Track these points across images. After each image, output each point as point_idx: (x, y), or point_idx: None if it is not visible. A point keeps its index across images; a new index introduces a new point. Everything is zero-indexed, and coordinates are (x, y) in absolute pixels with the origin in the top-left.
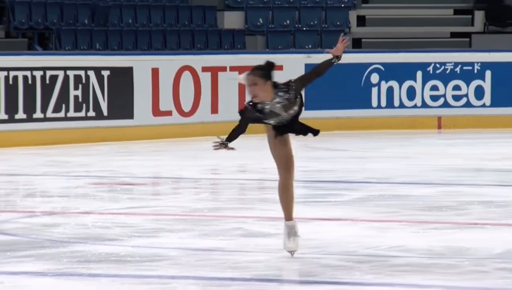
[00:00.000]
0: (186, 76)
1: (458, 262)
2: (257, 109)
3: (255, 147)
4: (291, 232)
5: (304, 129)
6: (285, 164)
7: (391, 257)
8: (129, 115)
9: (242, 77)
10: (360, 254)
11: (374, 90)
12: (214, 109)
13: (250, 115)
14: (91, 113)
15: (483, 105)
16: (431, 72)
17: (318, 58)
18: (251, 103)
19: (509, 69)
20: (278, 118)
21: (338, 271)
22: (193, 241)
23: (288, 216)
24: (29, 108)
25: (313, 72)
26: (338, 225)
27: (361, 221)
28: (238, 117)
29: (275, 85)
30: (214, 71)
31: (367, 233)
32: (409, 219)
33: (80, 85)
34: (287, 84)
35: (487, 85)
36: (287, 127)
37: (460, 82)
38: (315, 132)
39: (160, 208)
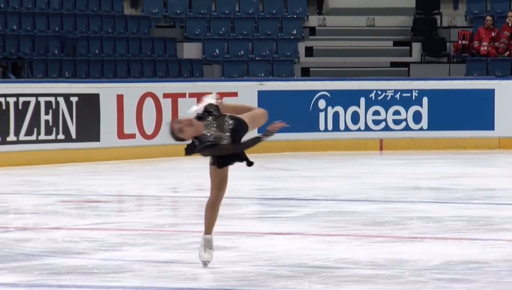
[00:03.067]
0: (149, 102)
1: (399, 273)
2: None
3: None
4: (208, 245)
5: (244, 158)
6: (220, 185)
7: (338, 268)
8: (96, 138)
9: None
10: (310, 265)
11: (322, 115)
12: None
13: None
14: (61, 136)
15: (421, 129)
16: (373, 98)
17: (270, 85)
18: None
19: (444, 95)
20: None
21: (289, 281)
22: (154, 254)
23: (208, 230)
24: (3, 132)
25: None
26: (290, 239)
27: (311, 235)
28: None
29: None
30: (174, 97)
31: (316, 246)
32: (355, 233)
33: (50, 111)
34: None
35: (424, 110)
36: (233, 155)
37: (399, 108)
38: (250, 163)
39: (124, 224)
